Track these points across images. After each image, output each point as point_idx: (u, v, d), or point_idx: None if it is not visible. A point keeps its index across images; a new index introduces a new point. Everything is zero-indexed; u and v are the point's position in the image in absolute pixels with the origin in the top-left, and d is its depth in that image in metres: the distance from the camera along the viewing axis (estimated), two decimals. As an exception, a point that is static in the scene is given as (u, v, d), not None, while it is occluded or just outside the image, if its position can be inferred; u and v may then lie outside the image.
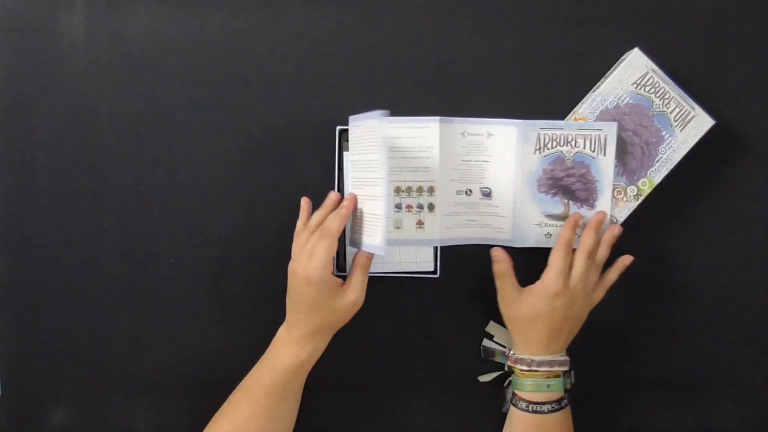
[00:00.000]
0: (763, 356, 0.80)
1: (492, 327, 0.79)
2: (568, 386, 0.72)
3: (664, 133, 0.75)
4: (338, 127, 0.76)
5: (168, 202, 0.79)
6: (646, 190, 0.76)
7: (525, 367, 0.71)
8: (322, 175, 0.78)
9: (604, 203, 0.75)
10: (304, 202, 0.73)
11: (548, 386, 0.70)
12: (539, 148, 0.74)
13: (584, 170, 0.74)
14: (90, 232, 0.79)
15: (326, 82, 0.78)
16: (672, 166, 0.76)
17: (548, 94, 0.78)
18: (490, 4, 0.78)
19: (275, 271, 0.78)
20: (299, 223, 0.73)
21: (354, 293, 0.68)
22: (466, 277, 0.77)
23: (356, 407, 0.81)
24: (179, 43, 0.78)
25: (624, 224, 0.76)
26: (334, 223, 0.68)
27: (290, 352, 0.69)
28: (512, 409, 0.73)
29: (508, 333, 0.76)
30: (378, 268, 0.76)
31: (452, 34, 0.79)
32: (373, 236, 0.67)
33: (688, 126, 0.75)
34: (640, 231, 0.78)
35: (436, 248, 0.77)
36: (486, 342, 0.80)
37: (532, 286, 0.71)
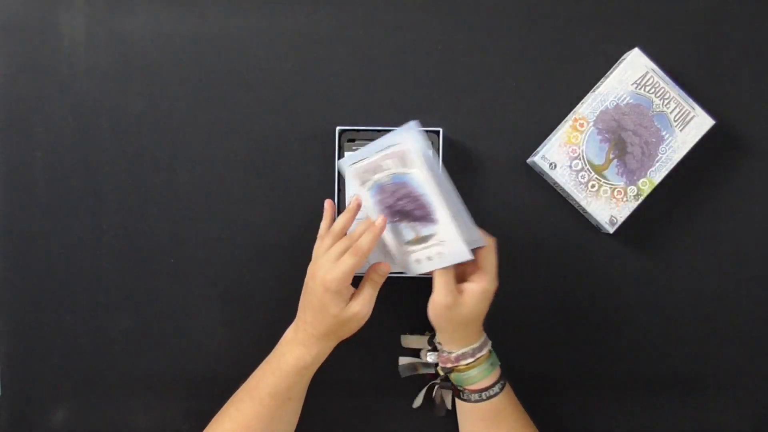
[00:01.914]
0: (763, 356, 0.80)
1: (406, 339, 0.79)
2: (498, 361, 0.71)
3: (664, 133, 0.75)
4: (338, 128, 0.76)
5: (168, 202, 0.79)
6: (646, 190, 0.76)
7: (471, 359, 0.69)
8: (322, 175, 0.78)
9: (441, 213, 0.65)
10: (328, 205, 0.74)
11: (492, 364, 0.69)
12: (362, 183, 0.69)
13: (407, 189, 0.66)
14: (90, 232, 0.79)
15: (326, 82, 0.78)
16: (672, 166, 0.76)
17: (548, 94, 0.78)
18: (490, 4, 0.78)
19: (275, 271, 0.79)
20: (323, 226, 0.73)
21: (359, 306, 0.67)
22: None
23: (356, 407, 0.80)
24: (179, 43, 0.78)
25: (624, 224, 0.76)
26: (367, 241, 0.67)
27: (296, 354, 0.69)
28: (463, 405, 0.71)
29: (422, 339, 0.77)
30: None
31: (452, 34, 0.78)
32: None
33: (688, 126, 0.75)
34: (640, 231, 0.78)
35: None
36: (402, 360, 0.79)
37: (469, 288, 0.67)
